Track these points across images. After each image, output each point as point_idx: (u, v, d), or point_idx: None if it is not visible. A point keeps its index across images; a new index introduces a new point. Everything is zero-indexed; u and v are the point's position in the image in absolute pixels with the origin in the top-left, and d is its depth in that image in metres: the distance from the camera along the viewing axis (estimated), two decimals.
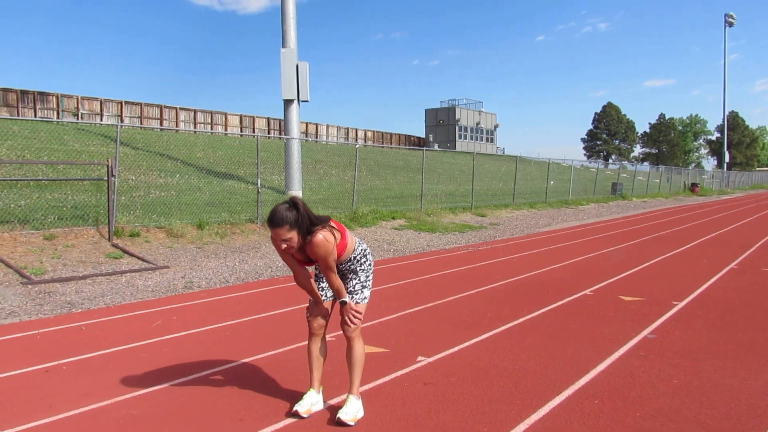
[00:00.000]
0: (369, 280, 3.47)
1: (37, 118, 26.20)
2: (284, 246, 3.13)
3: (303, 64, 15.21)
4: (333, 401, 3.57)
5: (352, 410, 3.30)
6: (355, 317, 3.35)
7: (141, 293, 6.98)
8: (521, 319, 5.65)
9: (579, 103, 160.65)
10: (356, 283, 3.42)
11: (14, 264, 7.68)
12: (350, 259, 3.40)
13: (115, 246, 9.24)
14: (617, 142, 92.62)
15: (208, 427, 3.25)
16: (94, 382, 3.97)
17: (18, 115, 27.23)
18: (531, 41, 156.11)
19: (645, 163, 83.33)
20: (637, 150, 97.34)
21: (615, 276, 8.04)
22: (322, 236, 3.14)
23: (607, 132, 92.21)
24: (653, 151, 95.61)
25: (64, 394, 3.76)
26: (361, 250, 3.47)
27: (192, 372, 4.17)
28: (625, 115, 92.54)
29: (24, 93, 29.15)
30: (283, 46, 15.26)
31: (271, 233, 3.14)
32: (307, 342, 3.52)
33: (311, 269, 3.49)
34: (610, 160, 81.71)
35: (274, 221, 3.08)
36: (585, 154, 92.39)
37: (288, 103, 15.33)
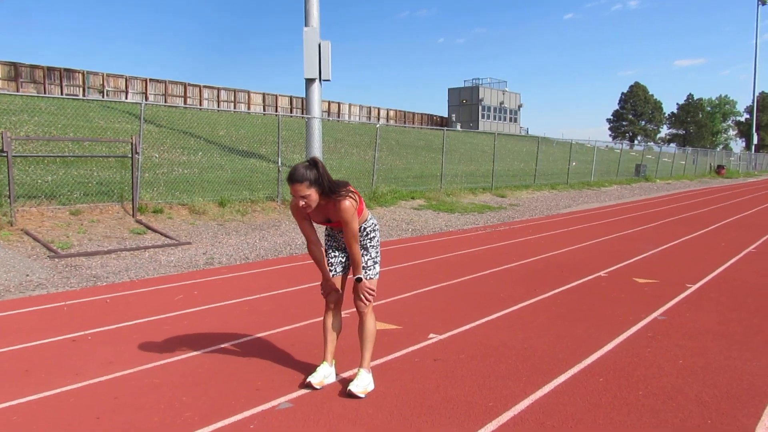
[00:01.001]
0: (378, 256, 3.54)
1: (64, 95, 26.64)
2: (302, 203, 3.23)
3: (325, 43, 15.21)
4: (345, 374, 3.70)
5: (362, 383, 3.42)
6: (369, 294, 3.45)
7: (164, 268, 7.19)
8: (534, 299, 5.72)
9: (606, 83, 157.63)
10: (368, 260, 3.48)
11: (42, 238, 7.94)
12: (362, 229, 3.47)
13: (139, 222, 9.48)
14: (643, 122, 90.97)
15: (226, 396, 3.41)
16: (117, 351, 4.16)
17: (45, 92, 27.71)
18: (559, 19, 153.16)
19: (671, 145, 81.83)
20: (664, 131, 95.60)
21: (631, 258, 8.04)
22: (348, 202, 3.26)
23: (634, 112, 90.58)
24: (680, 132, 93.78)
25: (89, 362, 3.95)
26: (372, 223, 3.54)
27: (211, 344, 4.34)
28: (652, 95, 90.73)
29: (51, 70, 29.60)
30: (305, 25, 15.27)
31: (290, 190, 3.24)
32: (323, 316, 3.64)
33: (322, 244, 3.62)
34: (636, 141, 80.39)
35: (294, 177, 3.18)
36: (610, 135, 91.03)
37: (310, 82, 15.38)
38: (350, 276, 3.53)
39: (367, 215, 3.51)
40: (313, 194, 3.22)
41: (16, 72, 27.96)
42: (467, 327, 4.79)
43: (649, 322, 4.97)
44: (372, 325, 3.53)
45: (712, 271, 7.12)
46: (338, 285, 3.58)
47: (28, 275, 6.53)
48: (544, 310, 5.33)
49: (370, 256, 3.50)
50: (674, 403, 3.33)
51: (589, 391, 3.49)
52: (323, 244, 3.60)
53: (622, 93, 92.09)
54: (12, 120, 13.87)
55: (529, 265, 7.54)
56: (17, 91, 26.18)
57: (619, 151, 35.04)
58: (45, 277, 6.55)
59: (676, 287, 6.26)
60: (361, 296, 3.45)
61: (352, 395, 3.35)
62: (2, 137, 8.34)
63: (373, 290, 3.49)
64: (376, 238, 3.54)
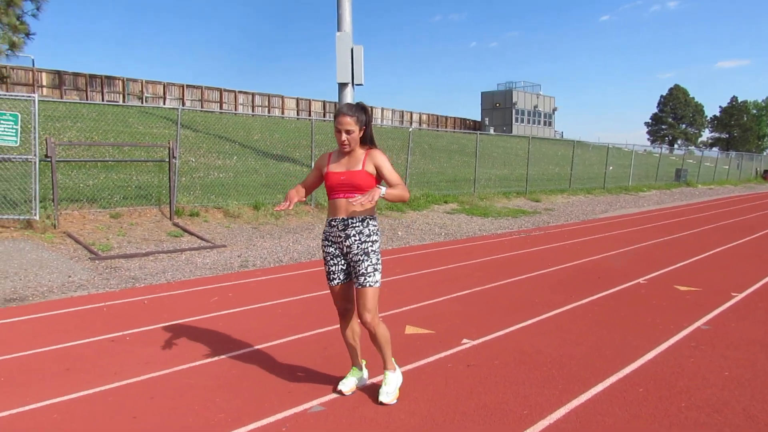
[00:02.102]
0: (379, 263, 3.34)
1: (105, 102, 27.35)
2: (344, 138, 3.20)
3: (358, 47, 15.27)
4: (377, 378, 3.67)
5: (390, 388, 3.38)
6: (369, 202, 3.04)
7: (199, 270, 7.29)
8: (570, 306, 5.61)
9: (644, 86, 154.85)
10: (368, 266, 3.29)
11: (83, 240, 8.14)
12: (365, 224, 3.29)
13: (176, 225, 9.65)
14: (684, 126, 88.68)
15: (258, 398, 3.42)
16: (154, 352, 4.22)
17: (87, 99, 28.51)
18: (595, 21, 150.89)
19: (714, 149, 79.59)
20: (706, 135, 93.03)
21: (672, 265, 7.82)
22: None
23: (674, 116, 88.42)
24: (723, 136, 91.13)
25: (127, 362, 4.02)
26: (376, 224, 3.38)
27: (244, 346, 4.36)
28: (693, 98, 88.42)
29: (92, 77, 30.43)
30: (338, 30, 15.36)
31: (336, 123, 3.21)
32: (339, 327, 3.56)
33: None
34: (676, 146, 78.52)
35: (346, 110, 3.20)
36: (648, 139, 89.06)
37: (342, 86, 15.45)
38: (355, 286, 3.32)
39: (374, 212, 3.41)
40: (356, 133, 3.22)
41: (60, 80, 28.84)
42: (501, 333, 4.72)
43: (691, 331, 4.81)
44: (383, 331, 3.39)
45: (759, 280, 6.87)
46: (343, 295, 3.43)
47: (70, 276, 6.70)
48: (580, 317, 5.22)
49: (371, 261, 3.30)
50: (720, 416, 3.20)
51: (629, 401, 3.39)
52: (322, 250, 3.44)
53: (662, 96, 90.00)
54: (56, 126, 14.29)
55: (564, 271, 7.41)
56: (61, 98, 27.00)
57: (658, 155, 34.26)
58: (86, 278, 6.70)
59: (721, 296, 6.05)
60: (363, 201, 3.03)
61: (383, 404, 3.33)
62: (47, 143, 8.59)
63: (375, 293, 3.30)
64: (377, 243, 3.37)
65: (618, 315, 5.29)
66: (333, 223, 3.33)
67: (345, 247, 3.32)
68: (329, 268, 3.41)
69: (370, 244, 3.31)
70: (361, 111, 3.25)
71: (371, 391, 3.51)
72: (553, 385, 3.61)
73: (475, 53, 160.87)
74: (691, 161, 37.74)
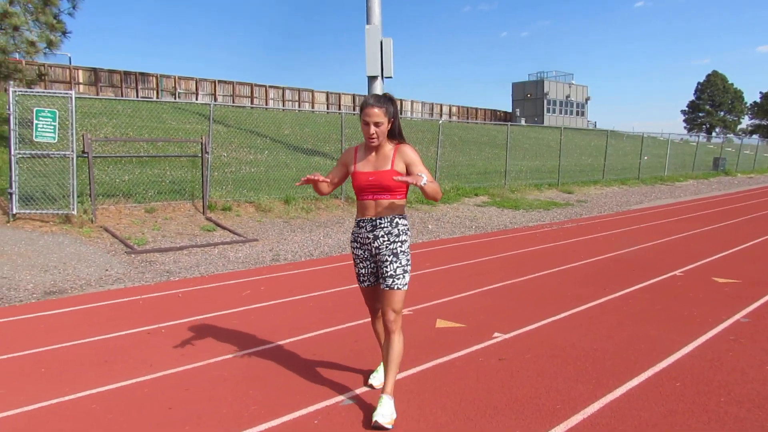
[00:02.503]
0: (409, 264, 3.17)
1: (139, 98, 27.87)
2: (373, 131, 3.02)
3: (387, 40, 15.22)
4: (411, 371, 3.67)
5: (387, 411, 3.02)
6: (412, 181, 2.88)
7: (232, 264, 7.39)
8: (603, 299, 5.52)
9: (679, 73, 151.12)
10: (397, 267, 3.11)
11: (120, 235, 8.32)
12: (394, 224, 3.14)
13: (209, 219, 9.79)
14: (722, 113, 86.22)
15: (290, 391, 3.46)
16: (188, 344, 4.30)
17: (122, 95, 29.07)
18: (629, 8, 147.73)
19: (754, 136, 77.25)
20: (745, 122, 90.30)
21: (709, 257, 7.63)
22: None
23: (711, 103, 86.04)
24: (764, 122, 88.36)
25: (162, 354, 4.10)
26: (405, 223, 3.21)
27: (277, 339, 4.41)
28: (732, 84, 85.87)
29: (127, 74, 31.00)
30: (367, 23, 15.33)
31: (363, 115, 3.04)
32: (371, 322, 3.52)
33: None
34: (714, 134, 76.46)
35: (372, 100, 3.04)
36: (685, 127, 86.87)
37: (372, 79, 15.42)
38: (382, 286, 3.16)
39: (404, 210, 3.24)
40: (385, 125, 3.05)
41: (96, 77, 29.46)
42: (533, 326, 4.67)
43: (730, 324, 4.69)
44: (399, 345, 3.15)
45: None
46: (374, 296, 3.34)
47: (107, 270, 6.86)
48: (614, 310, 5.13)
49: (400, 263, 3.13)
50: (761, 411, 3.12)
51: (665, 396, 3.32)
52: (351, 252, 3.33)
53: (698, 83, 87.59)
54: (92, 122, 14.61)
55: (598, 263, 7.29)
56: (97, 94, 27.60)
57: (695, 143, 33.40)
58: (122, 271, 6.85)
59: (761, 288, 5.88)
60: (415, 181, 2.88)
61: (378, 427, 2.95)
62: (84, 139, 8.79)
63: (402, 296, 3.14)
64: (407, 243, 3.19)
65: (653, 308, 5.19)
66: (361, 224, 3.21)
67: (373, 248, 3.18)
68: (359, 270, 3.30)
69: (399, 244, 3.14)
70: (389, 102, 3.08)
71: (401, 384, 3.51)
72: (587, 380, 3.56)
73: (505, 43, 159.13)
74: (729, 149, 36.69)
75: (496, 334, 4.47)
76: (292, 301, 5.58)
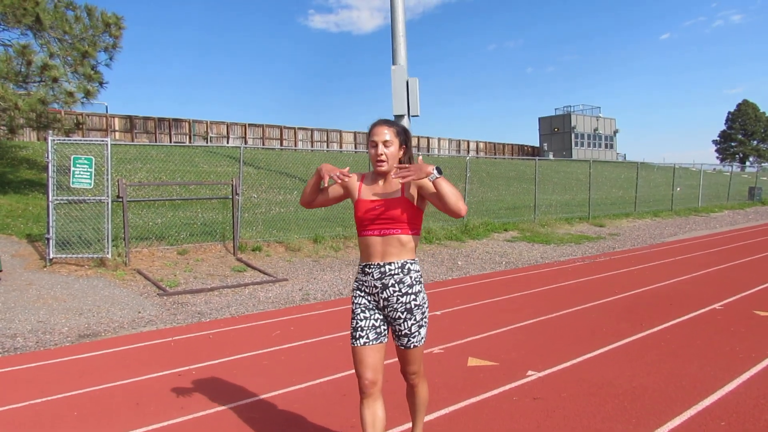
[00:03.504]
0: (425, 317, 2.76)
1: (172, 143, 28.63)
2: (381, 152, 2.68)
3: (413, 80, 15.44)
4: (441, 411, 3.59)
5: None
6: (415, 173, 2.56)
7: (262, 304, 7.41)
8: (641, 334, 5.36)
9: (709, 103, 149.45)
10: (412, 325, 2.71)
11: (152, 277, 8.45)
12: (405, 270, 2.70)
13: (239, 260, 9.88)
14: (755, 142, 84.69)
15: None
16: (219, 386, 4.29)
17: (155, 141, 29.93)
18: (655, 41, 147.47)
19: None
20: None
21: (749, 289, 7.39)
22: None
23: (743, 132, 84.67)
24: None
25: (193, 396, 4.10)
26: (418, 269, 2.77)
27: (307, 379, 4.38)
28: (764, 112, 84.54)
29: (161, 120, 31.97)
30: (393, 63, 15.62)
31: (371, 134, 2.73)
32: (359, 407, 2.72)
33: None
34: (747, 163, 74.94)
35: (381, 121, 2.76)
36: (717, 157, 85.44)
37: (399, 118, 15.60)
38: (396, 344, 2.78)
39: (415, 255, 2.79)
40: (395, 148, 2.71)
41: (131, 124, 30.44)
42: (568, 364, 4.55)
43: None
44: (425, 392, 2.93)
45: None
46: (370, 361, 2.69)
47: (140, 312, 6.94)
48: (652, 346, 4.98)
49: (415, 320, 2.70)
50: None
51: None
52: (352, 301, 2.83)
53: (729, 112, 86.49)
54: (127, 168, 15.03)
55: (633, 298, 7.11)
56: (132, 141, 28.46)
57: (728, 173, 32.75)
58: (155, 313, 6.93)
59: None
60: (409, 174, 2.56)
61: None
62: (119, 184, 9.03)
63: (420, 355, 2.77)
64: (422, 294, 2.74)
65: (693, 343, 5.02)
66: (367, 269, 2.74)
67: (381, 299, 2.73)
68: (357, 323, 2.74)
69: (413, 296, 2.70)
70: (400, 126, 2.78)
71: (433, 425, 3.43)
72: (627, 419, 3.44)
73: (531, 79, 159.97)
74: (765, 179, 35.88)
75: (530, 372, 4.36)
76: (321, 340, 5.56)
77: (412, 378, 2.83)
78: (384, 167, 2.71)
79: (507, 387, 4.07)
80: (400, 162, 2.76)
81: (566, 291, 7.76)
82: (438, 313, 6.53)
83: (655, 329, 5.54)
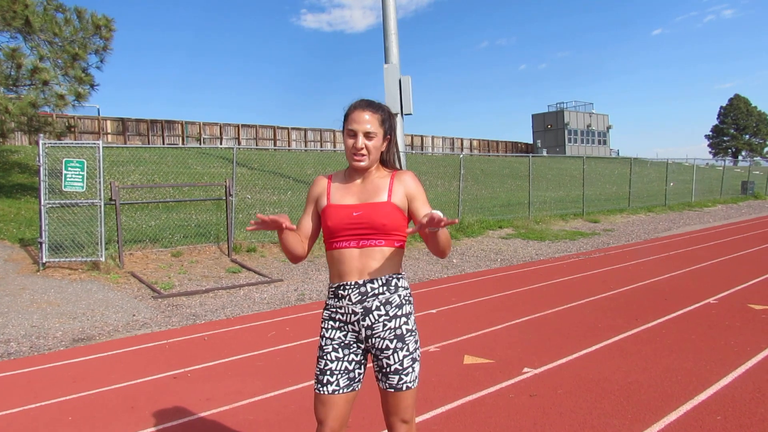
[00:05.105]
0: (418, 348, 2.21)
1: (165, 145, 28.53)
2: (360, 144, 2.16)
3: (406, 78, 15.42)
4: (437, 410, 3.59)
5: None
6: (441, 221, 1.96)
7: (257, 305, 7.39)
8: (636, 330, 5.37)
9: (701, 98, 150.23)
10: (404, 357, 2.15)
11: (146, 280, 8.41)
12: (393, 286, 2.18)
13: (234, 261, 9.85)
14: (747, 137, 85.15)
15: None
16: (215, 388, 4.28)
17: (148, 143, 29.81)
18: (646, 36, 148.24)
19: None
20: None
21: (744, 282, 7.42)
22: None
23: (735, 127, 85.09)
24: None
25: (189, 399, 4.08)
26: (407, 285, 2.25)
27: (303, 380, 4.36)
28: (755, 107, 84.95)
29: (153, 122, 31.87)
30: (385, 62, 15.59)
31: (350, 121, 2.19)
32: None
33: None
34: (740, 157, 75.30)
35: (362, 104, 2.21)
36: (710, 152, 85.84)
37: None
38: (381, 387, 2.22)
39: (401, 268, 2.26)
40: (379, 137, 2.19)
41: (123, 126, 30.33)
42: (564, 360, 4.56)
43: None
44: None
45: None
46: (337, 411, 2.19)
47: (134, 315, 6.91)
48: (648, 341, 4.99)
49: (407, 350, 2.16)
50: None
51: (705, 430, 3.19)
52: (320, 336, 2.32)
53: (721, 107, 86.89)
54: (120, 170, 14.97)
55: (628, 293, 7.13)
56: (124, 143, 28.36)
57: (721, 168, 32.91)
58: (149, 316, 6.90)
59: None
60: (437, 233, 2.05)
61: None
62: (111, 187, 8.98)
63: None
64: (412, 316, 2.21)
65: (688, 338, 5.03)
66: (341, 291, 2.19)
67: (363, 330, 2.18)
68: (325, 364, 2.21)
69: (404, 319, 2.17)
70: (386, 111, 2.24)
71: (430, 424, 3.42)
72: (623, 415, 3.44)
73: (524, 76, 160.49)
74: (757, 173, 36.05)
75: (526, 370, 4.36)
76: (317, 341, 5.53)
77: (400, 429, 2.20)
78: (364, 163, 2.19)
79: (503, 384, 4.07)
80: (381, 155, 2.27)
81: (561, 287, 7.77)
82: (434, 311, 6.53)
83: (650, 324, 5.55)
